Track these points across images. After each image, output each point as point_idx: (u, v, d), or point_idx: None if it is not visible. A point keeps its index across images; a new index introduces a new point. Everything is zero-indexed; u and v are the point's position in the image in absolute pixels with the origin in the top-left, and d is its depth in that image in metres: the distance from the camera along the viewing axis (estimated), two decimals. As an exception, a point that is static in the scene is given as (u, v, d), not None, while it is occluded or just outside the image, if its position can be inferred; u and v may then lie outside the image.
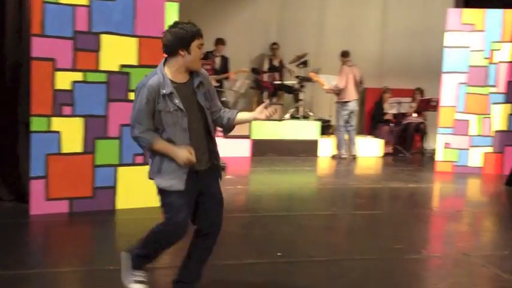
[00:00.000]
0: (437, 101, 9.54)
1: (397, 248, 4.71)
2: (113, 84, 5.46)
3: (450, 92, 8.81)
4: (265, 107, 3.33)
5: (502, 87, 8.66)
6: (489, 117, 8.70)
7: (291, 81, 10.77)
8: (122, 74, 5.49)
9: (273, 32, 11.40)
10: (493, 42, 8.62)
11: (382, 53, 11.72)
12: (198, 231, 3.37)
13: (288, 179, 8.06)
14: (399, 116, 11.10)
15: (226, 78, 10.25)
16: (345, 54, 9.92)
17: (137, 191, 5.50)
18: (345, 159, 9.80)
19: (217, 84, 9.72)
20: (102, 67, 5.41)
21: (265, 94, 10.74)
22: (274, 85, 10.78)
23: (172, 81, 3.14)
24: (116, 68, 5.47)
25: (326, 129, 10.71)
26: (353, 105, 9.88)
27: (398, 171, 9.01)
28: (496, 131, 8.71)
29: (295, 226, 5.41)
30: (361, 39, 11.30)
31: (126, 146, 5.49)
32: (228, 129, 3.44)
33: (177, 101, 3.12)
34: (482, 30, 8.66)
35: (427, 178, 8.48)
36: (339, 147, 9.98)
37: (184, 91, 3.17)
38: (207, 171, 3.26)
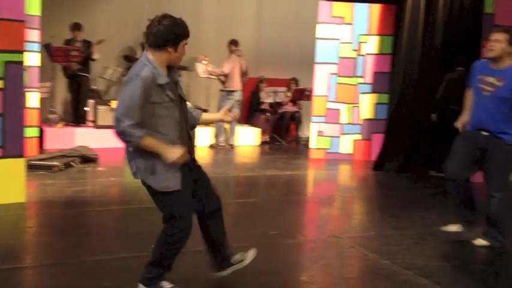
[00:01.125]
0: (310, 91, 9.86)
1: (273, 234, 4.76)
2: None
3: (322, 82, 9.13)
4: (229, 110, 3.48)
5: (368, 78, 9.14)
6: (358, 106, 9.15)
7: (166, 70, 10.54)
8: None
9: (146, 18, 11.05)
10: (361, 35, 9.06)
11: (258, 42, 11.88)
12: (203, 215, 3.37)
13: (165, 170, 7.86)
14: (275, 105, 11.35)
15: (89, 57, 9.63)
16: (234, 43, 9.87)
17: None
18: (223, 148, 9.81)
19: (78, 66, 9.31)
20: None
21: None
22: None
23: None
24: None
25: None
26: (238, 95, 9.90)
27: (275, 159, 9.19)
28: (364, 119, 9.19)
29: (171, 217, 5.27)
30: (237, 28, 11.35)
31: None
32: (191, 127, 3.37)
33: (169, 92, 3.05)
34: (350, 23, 9.07)
35: (302, 165, 8.74)
36: (217, 136, 9.97)
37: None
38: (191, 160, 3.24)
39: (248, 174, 7.78)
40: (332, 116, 9.14)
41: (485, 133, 4.39)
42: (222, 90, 9.94)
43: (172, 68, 3.18)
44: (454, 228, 4.65)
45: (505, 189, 4.46)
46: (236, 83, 9.79)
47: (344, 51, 9.06)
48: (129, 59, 10.52)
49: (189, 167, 3.26)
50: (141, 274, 3.29)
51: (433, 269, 4.08)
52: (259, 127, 11.07)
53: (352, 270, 3.87)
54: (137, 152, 3.08)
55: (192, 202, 3.28)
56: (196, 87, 11.07)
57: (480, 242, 4.50)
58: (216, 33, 10.62)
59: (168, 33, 3.03)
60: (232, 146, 10.01)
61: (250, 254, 3.60)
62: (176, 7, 11.22)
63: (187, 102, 3.32)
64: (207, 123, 3.47)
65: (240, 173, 7.87)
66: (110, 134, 9.31)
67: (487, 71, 4.42)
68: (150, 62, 3.04)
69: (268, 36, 11.99)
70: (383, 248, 4.39)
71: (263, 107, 11.34)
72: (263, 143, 10.94)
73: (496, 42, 4.30)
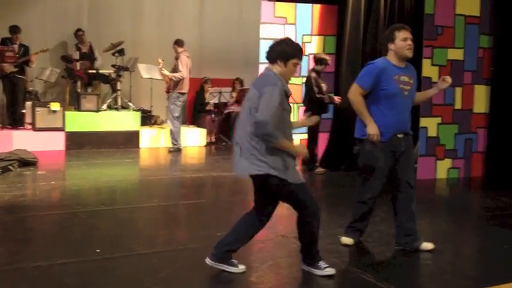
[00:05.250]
0: (256, 91, 9.81)
1: (220, 235, 4.67)
2: None
3: (267, 82, 9.12)
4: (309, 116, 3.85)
5: (312, 77, 9.19)
6: (303, 106, 9.18)
7: (107, 70, 10.28)
8: None
9: (85, 18, 10.79)
10: (304, 35, 9.12)
11: (201, 42, 11.78)
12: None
13: (108, 172, 7.66)
14: (220, 106, 11.27)
15: (27, 62, 9.33)
16: (180, 44, 9.58)
17: None
18: (179, 151, 9.59)
19: (15, 70, 8.96)
20: None
21: (79, 84, 10.11)
22: (89, 74, 10.19)
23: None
24: None
25: (147, 119, 10.45)
26: (186, 97, 9.74)
27: (221, 159, 9.12)
28: (309, 119, 9.23)
29: (116, 220, 5.13)
30: (179, 28, 11.20)
31: None
32: None
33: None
34: (293, 24, 9.11)
35: (248, 165, 8.68)
36: (175, 139, 9.70)
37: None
38: None
39: (194, 175, 7.67)
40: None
41: (400, 135, 4.25)
42: (173, 92, 9.56)
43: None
44: (347, 241, 4.46)
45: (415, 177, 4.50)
46: (187, 85, 9.63)
47: (288, 52, 9.07)
48: (68, 59, 10.19)
49: None
50: (301, 258, 3.82)
51: (381, 266, 4.12)
52: (204, 128, 10.97)
53: (301, 270, 3.85)
54: (269, 152, 3.50)
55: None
56: (138, 88, 10.85)
57: (427, 245, 4.41)
58: (157, 33, 10.44)
59: (287, 50, 3.64)
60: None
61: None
62: (116, 6, 11.04)
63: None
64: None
65: (186, 174, 7.74)
66: (49, 136, 9.16)
67: (399, 71, 4.24)
68: (277, 76, 3.60)
69: (211, 36, 11.90)
70: (331, 247, 4.39)
71: (208, 107, 11.24)
72: (209, 144, 10.85)
73: (412, 42, 4.25)
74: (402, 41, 4.21)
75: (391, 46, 4.25)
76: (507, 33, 8.01)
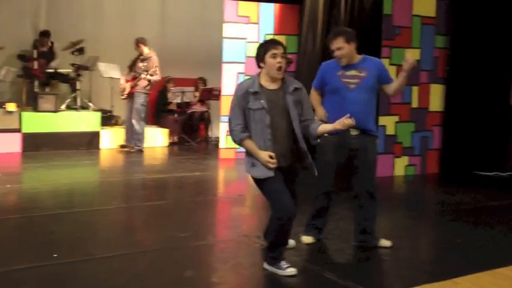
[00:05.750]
0: (219, 90, 9.83)
1: (183, 236, 4.67)
2: None
3: (230, 82, 9.13)
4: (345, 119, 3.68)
5: (275, 76, 9.23)
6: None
7: (66, 70, 10.09)
8: None
9: (43, 16, 10.56)
10: (267, 34, 9.15)
11: (163, 41, 11.65)
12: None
13: (67, 174, 7.51)
14: (183, 105, 11.21)
15: None
16: (143, 41, 9.37)
17: None
18: (131, 151, 9.50)
19: None
20: None
21: (36, 83, 9.88)
22: (47, 73, 9.97)
23: (260, 85, 3.73)
24: None
25: (108, 120, 10.31)
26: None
27: (184, 160, 9.07)
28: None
29: (75, 224, 5.03)
30: (140, 26, 11.05)
31: None
32: (312, 138, 3.84)
33: (262, 101, 3.65)
34: (256, 23, 9.14)
35: (212, 165, 8.69)
36: (140, 140, 9.57)
37: (271, 95, 3.70)
38: (289, 167, 3.77)
39: (156, 176, 7.61)
40: (240, 116, 9.14)
41: (354, 132, 4.26)
42: (144, 93, 9.36)
43: (289, 81, 3.85)
44: (307, 240, 4.50)
45: (375, 184, 4.49)
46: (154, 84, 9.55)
47: (251, 51, 9.09)
48: (25, 58, 9.95)
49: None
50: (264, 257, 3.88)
51: (340, 264, 4.18)
52: (167, 128, 10.88)
53: (263, 269, 3.87)
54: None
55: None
56: (99, 88, 10.68)
57: (385, 242, 4.49)
58: (118, 32, 10.29)
59: (256, 54, 3.79)
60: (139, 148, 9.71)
61: None
62: (75, 3, 10.83)
63: (310, 112, 3.90)
64: (325, 133, 3.87)
65: (148, 176, 7.67)
66: (5, 138, 8.92)
67: (345, 67, 4.32)
68: (255, 77, 3.81)
69: (173, 35, 11.80)
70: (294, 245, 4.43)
71: (171, 107, 11.16)
72: (172, 144, 10.78)
73: (339, 51, 4.27)
74: (336, 50, 4.30)
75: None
76: (462, 34, 8.24)
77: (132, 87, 9.38)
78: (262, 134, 3.66)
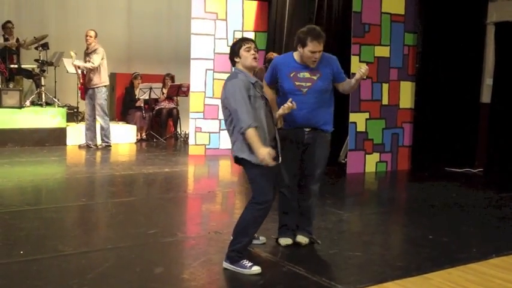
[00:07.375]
0: (188, 87, 9.73)
1: (152, 233, 4.60)
2: None
3: (199, 78, 9.06)
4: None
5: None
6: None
7: (30, 65, 9.84)
8: None
9: (5, 10, 10.28)
10: (235, 31, 9.11)
11: (129, 37, 11.51)
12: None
13: (33, 171, 7.32)
14: (151, 102, 11.07)
15: None
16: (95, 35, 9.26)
17: None
18: (109, 148, 9.32)
19: None
20: None
21: (0, 79, 9.61)
22: (11, 69, 9.71)
23: None
24: None
25: (73, 116, 10.11)
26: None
27: (153, 156, 8.96)
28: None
29: (41, 221, 4.90)
30: (106, 21, 10.88)
31: None
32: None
33: (259, 89, 3.81)
34: (224, 19, 9.08)
35: (181, 162, 8.59)
36: (107, 136, 9.41)
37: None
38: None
39: (125, 172, 7.48)
40: (210, 112, 9.10)
41: (307, 129, 4.22)
42: (103, 87, 9.20)
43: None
44: (285, 241, 4.38)
45: (321, 180, 4.45)
46: (107, 77, 9.34)
47: (219, 47, 9.04)
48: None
49: None
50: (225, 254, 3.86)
51: (312, 259, 4.17)
52: (134, 124, 10.73)
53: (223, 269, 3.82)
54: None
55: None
56: (64, 84, 10.46)
57: (303, 239, 4.39)
58: (84, 27, 10.05)
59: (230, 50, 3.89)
60: (107, 145, 9.53)
61: None
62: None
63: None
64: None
65: (116, 172, 7.53)
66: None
67: (299, 68, 4.19)
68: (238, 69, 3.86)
69: (140, 30, 11.65)
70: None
71: (138, 103, 11.00)
72: (140, 141, 10.64)
73: (319, 54, 4.10)
74: (310, 52, 4.09)
75: (300, 50, 4.15)
76: (431, 31, 8.35)
77: (88, 83, 9.17)
78: (261, 123, 3.73)
